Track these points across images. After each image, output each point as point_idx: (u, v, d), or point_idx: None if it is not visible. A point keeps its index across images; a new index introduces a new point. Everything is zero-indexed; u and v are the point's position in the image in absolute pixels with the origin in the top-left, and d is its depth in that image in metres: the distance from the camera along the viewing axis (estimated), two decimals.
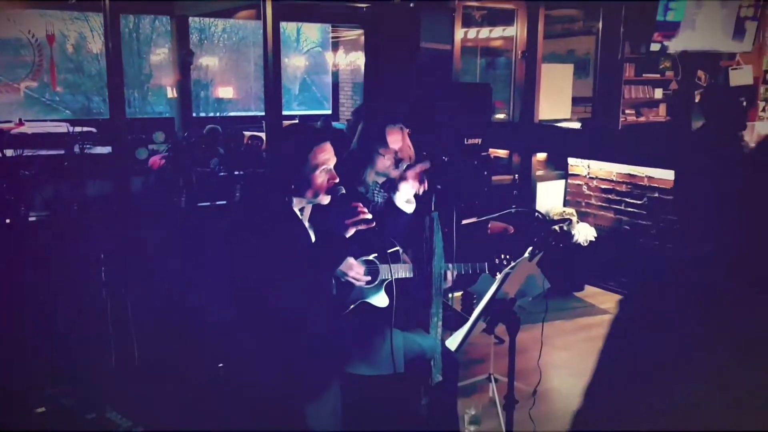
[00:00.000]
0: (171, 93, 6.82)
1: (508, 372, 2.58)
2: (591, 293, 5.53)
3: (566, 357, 4.30)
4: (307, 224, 2.49)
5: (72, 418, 3.31)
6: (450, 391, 2.75)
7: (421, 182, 2.70)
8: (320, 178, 2.39)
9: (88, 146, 4.61)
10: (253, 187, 3.34)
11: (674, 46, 5.91)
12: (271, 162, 2.62)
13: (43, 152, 4.38)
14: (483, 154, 4.78)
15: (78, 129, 4.85)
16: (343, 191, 2.42)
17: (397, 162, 2.81)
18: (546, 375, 3.74)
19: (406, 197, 2.70)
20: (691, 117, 6.36)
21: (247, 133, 7.28)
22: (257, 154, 6.26)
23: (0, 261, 3.67)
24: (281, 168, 2.43)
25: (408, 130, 2.89)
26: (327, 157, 2.41)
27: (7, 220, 3.77)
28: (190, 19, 7.35)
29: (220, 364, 2.64)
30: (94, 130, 6.17)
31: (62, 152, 4.31)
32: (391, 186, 2.79)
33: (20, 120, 6.60)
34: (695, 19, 5.83)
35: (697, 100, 6.22)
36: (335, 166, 2.45)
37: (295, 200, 2.43)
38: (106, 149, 4.96)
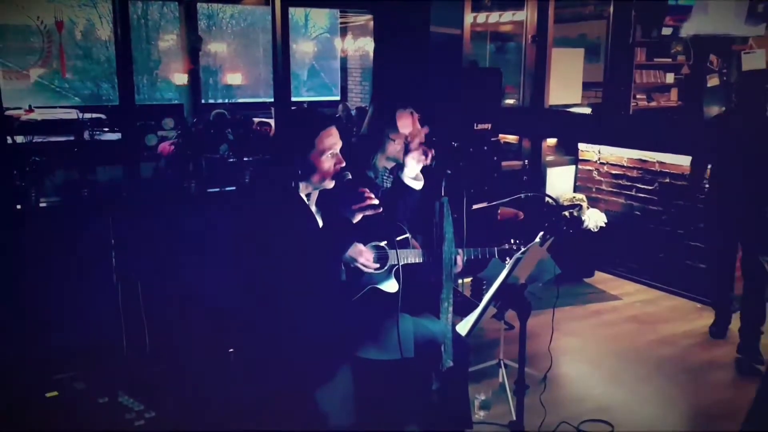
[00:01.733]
0: (180, 79, 6.80)
1: (519, 357, 2.57)
2: (601, 279, 5.51)
3: (577, 342, 4.30)
4: (314, 209, 2.48)
5: (84, 402, 3.33)
6: (460, 376, 2.75)
7: (425, 154, 2.68)
8: (327, 162, 2.37)
9: (97, 132, 4.62)
10: (261, 173, 3.33)
11: (686, 30, 5.85)
12: (277, 147, 2.59)
13: (53, 139, 4.40)
14: (493, 139, 4.76)
15: (88, 115, 4.87)
16: (350, 176, 2.40)
17: (407, 147, 2.79)
18: (557, 360, 3.74)
19: (413, 173, 2.68)
20: (704, 103, 6.30)
21: (256, 119, 7.26)
22: (266, 140, 6.25)
23: (11, 247, 3.70)
24: (287, 152, 2.40)
25: (418, 115, 2.86)
26: (333, 141, 2.38)
27: (18, 207, 3.80)
28: (199, 4, 7.32)
29: (231, 349, 2.65)
30: (103, 116, 6.18)
31: (72, 138, 4.32)
32: (399, 167, 2.77)
33: (30, 107, 6.60)
34: (708, 2, 5.76)
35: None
36: (342, 151, 2.43)
37: (301, 185, 2.41)
38: (115, 135, 4.97)
